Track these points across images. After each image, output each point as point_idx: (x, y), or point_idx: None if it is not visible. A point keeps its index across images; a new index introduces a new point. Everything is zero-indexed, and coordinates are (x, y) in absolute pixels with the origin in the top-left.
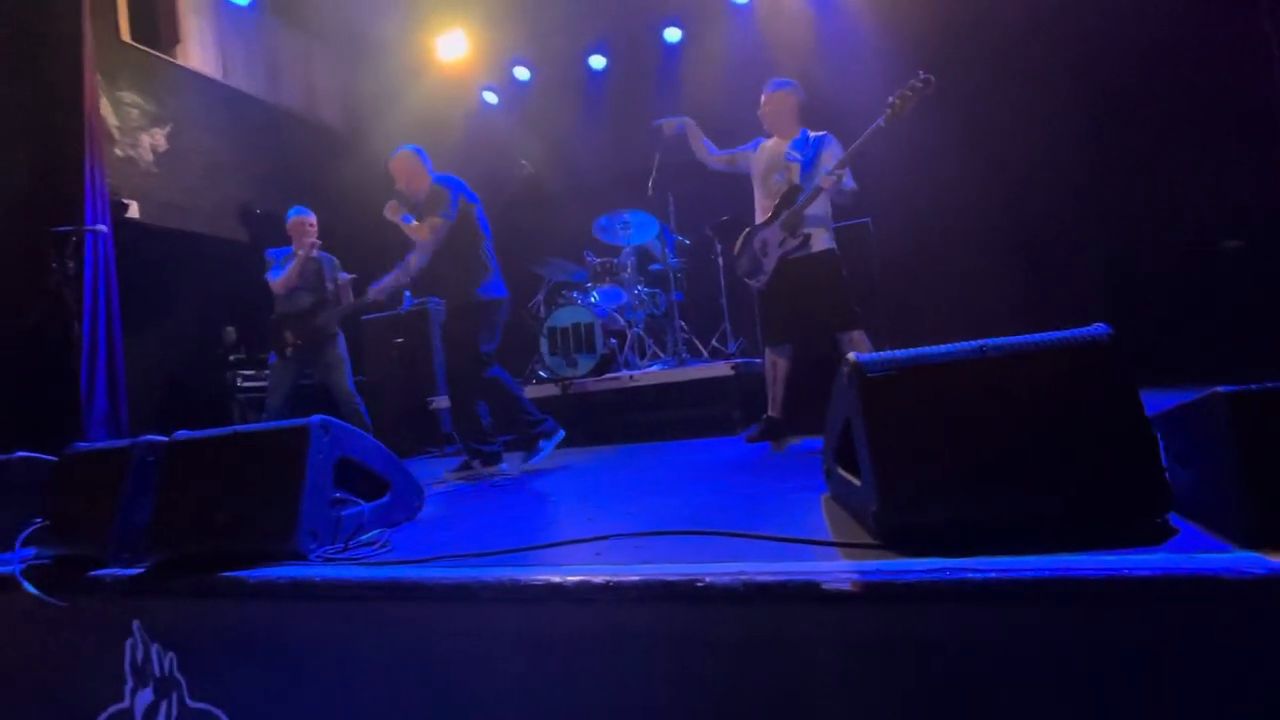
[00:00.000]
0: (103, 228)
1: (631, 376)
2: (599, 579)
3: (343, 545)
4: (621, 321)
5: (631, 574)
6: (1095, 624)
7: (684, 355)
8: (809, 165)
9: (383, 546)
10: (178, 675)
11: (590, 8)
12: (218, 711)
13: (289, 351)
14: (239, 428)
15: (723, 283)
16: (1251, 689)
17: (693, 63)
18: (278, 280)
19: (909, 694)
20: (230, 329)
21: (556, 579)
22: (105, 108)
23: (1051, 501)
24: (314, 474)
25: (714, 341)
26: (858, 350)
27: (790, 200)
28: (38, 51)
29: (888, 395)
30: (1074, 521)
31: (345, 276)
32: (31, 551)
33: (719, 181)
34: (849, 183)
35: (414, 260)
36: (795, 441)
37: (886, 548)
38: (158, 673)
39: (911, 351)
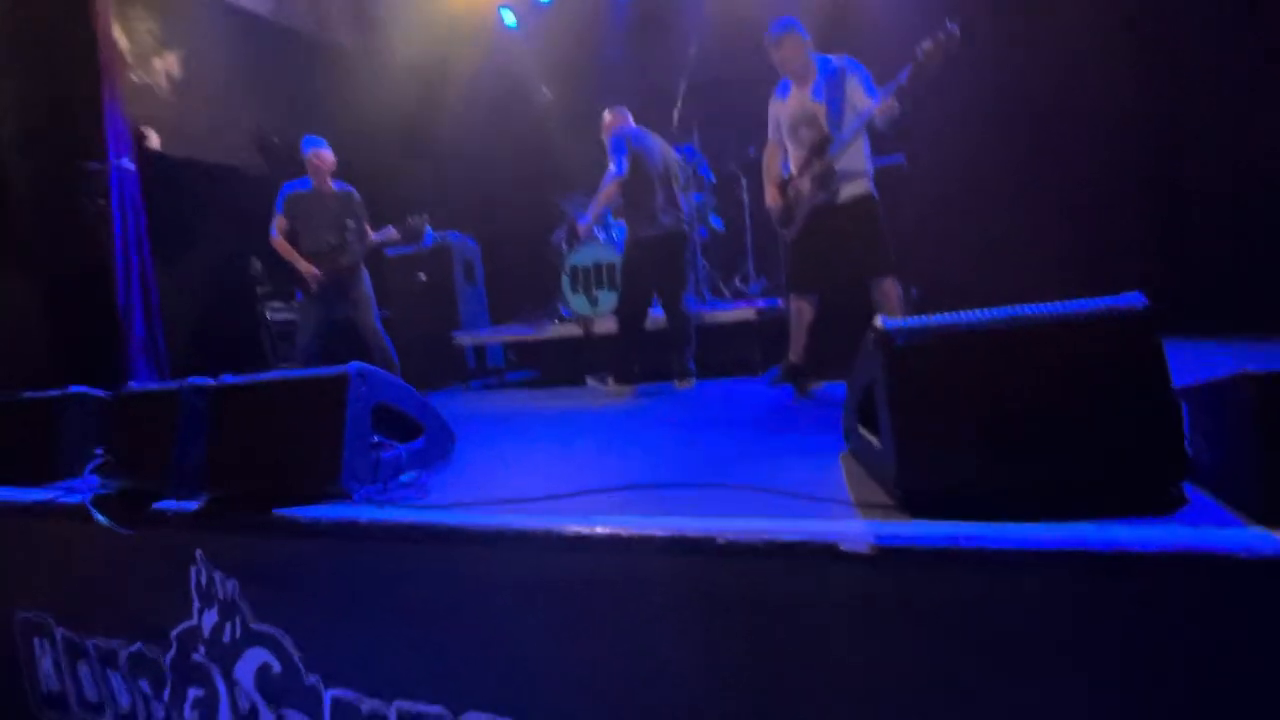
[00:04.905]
0: (131, 166)
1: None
2: (626, 532)
3: (383, 486)
4: None
5: (657, 528)
6: (1104, 595)
7: (705, 295)
8: (836, 109)
9: (420, 489)
10: (239, 600)
11: None
12: (279, 633)
13: (314, 289)
14: (281, 374)
15: (748, 221)
16: (1255, 667)
17: None
18: (275, 238)
19: (920, 655)
20: (256, 260)
21: (585, 530)
22: (118, 30)
23: (1070, 468)
24: (354, 420)
25: (736, 281)
26: (887, 297)
27: (820, 151)
28: None
29: (913, 364)
30: (1092, 487)
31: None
32: (96, 481)
33: (746, 116)
34: (891, 99)
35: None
36: (818, 386)
37: (903, 510)
38: (221, 596)
39: (940, 319)
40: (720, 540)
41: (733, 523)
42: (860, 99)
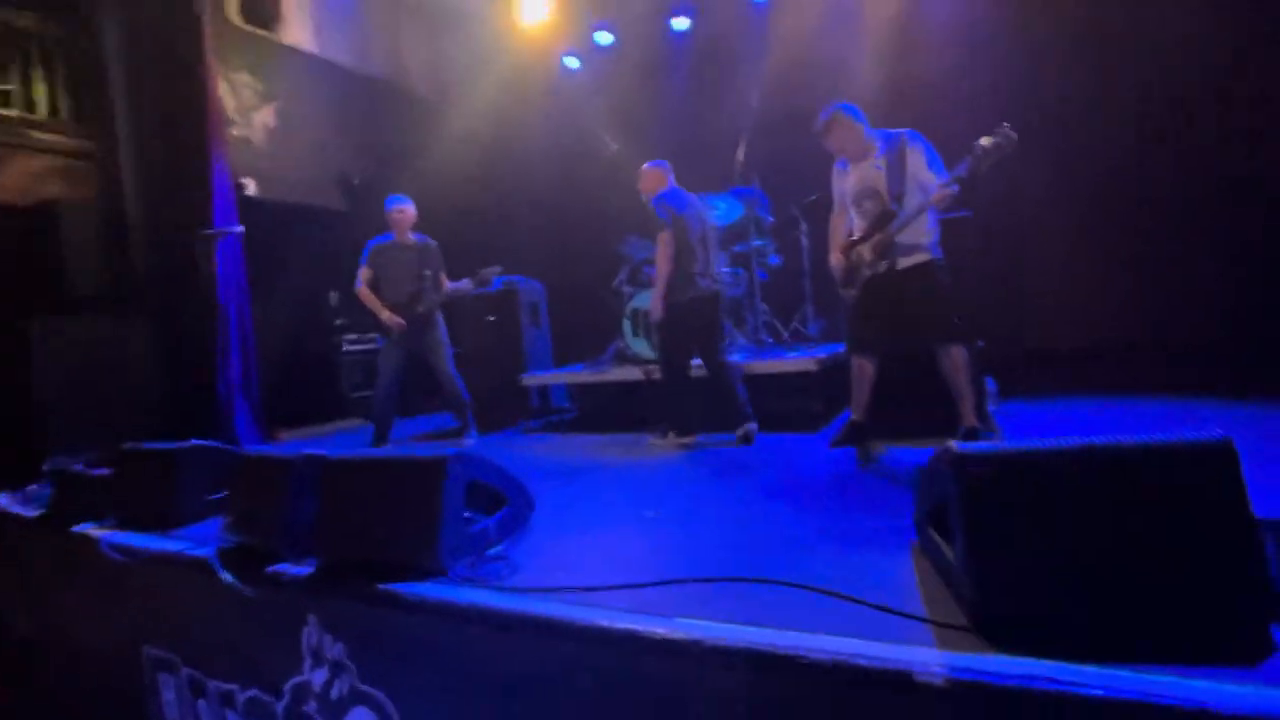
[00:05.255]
0: (237, 229)
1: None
2: (706, 640)
3: (474, 559)
4: None
5: (740, 639)
6: None
7: (764, 339)
8: (896, 182)
9: (508, 565)
10: (348, 661)
11: None
12: (381, 696)
13: (394, 336)
14: (386, 453)
15: (806, 264)
16: None
17: (780, 23)
18: (360, 289)
19: None
20: (334, 293)
21: (667, 633)
22: (224, 90)
23: (1149, 605)
24: (450, 500)
25: (795, 323)
26: (954, 364)
27: (882, 224)
28: (162, 49)
29: (988, 490)
30: (1173, 625)
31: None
32: (216, 533)
33: (805, 164)
34: (950, 188)
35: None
36: (880, 450)
37: (977, 633)
38: (330, 657)
39: (1015, 446)
40: (803, 660)
41: (813, 640)
42: (923, 172)
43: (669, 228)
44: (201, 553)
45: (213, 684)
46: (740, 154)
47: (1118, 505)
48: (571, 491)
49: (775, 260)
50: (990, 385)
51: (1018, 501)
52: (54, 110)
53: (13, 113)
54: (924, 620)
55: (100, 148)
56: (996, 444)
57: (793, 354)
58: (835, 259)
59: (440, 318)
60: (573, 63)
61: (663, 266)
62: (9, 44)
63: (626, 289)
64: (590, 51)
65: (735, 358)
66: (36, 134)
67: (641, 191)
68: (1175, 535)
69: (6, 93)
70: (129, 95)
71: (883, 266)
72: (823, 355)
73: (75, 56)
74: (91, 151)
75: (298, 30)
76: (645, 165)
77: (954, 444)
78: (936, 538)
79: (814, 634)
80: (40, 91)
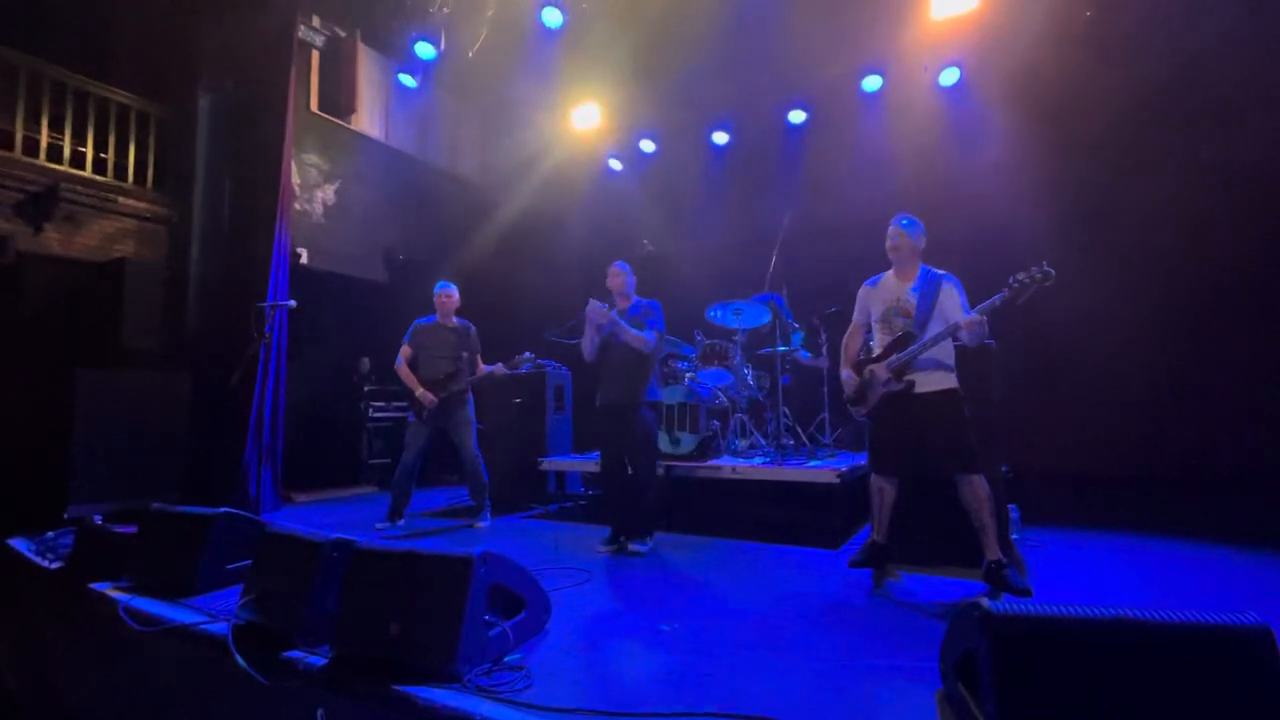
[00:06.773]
0: (290, 303)
1: (734, 469)
2: None
3: (490, 665)
4: (725, 401)
5: None
6: None
7: (785, 442)
8: (924, 309)
9: (523, 677)
10: None
11: (718, 87)
12: None
13: (425, 414)
14: (414, 547)
15: (825, 372)
16: None
17: (816, 145)
18: (399, 366)
19: None
20: (365, 359)
21: None
22: (293, 169)
23: None
24: (473, 603)
25: (811, 429)
26: (976, 495)
27: (903, 345)
28: (247, 131)
29: (1019, 651)
30: None
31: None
32: (233, 609)
33: (829, 276)
34: (980, 317)
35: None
36: (897, 579)
37: None
38: None
39: (1047, 609)
40: None
41: None
42: (951, 309)
43: (663, 332)
44: (217, 629)
45: None
46: (770, 272)
47: (1152, 682)
48: (586, 591)
49: (805, 356)
50: (1013, 512)
51: (1050, 668)
52: (140, 177)
53: (105, 179)
54: None
55: (175, 213)
56: (1030, 606)
57: (815, 463)
58: (847, 375)
59: (471, 398)
60: (616, 165)
61: (650, 349)
62: (110, 117)
63: None
64: (633, 156)
65: (756, 462)
66: (122, 199)
67: (613, 289)
68: (1208, 713)
69: (103, 160)
70: (209, 168)
71: (895, 387)
72: (844, 468)
73: (167, 131)
74: (167, 217)
75: (368, 121)
76: (619, 265)
77: (985, 601)
78: (963, 691)
79: None
80: (131, 160)
